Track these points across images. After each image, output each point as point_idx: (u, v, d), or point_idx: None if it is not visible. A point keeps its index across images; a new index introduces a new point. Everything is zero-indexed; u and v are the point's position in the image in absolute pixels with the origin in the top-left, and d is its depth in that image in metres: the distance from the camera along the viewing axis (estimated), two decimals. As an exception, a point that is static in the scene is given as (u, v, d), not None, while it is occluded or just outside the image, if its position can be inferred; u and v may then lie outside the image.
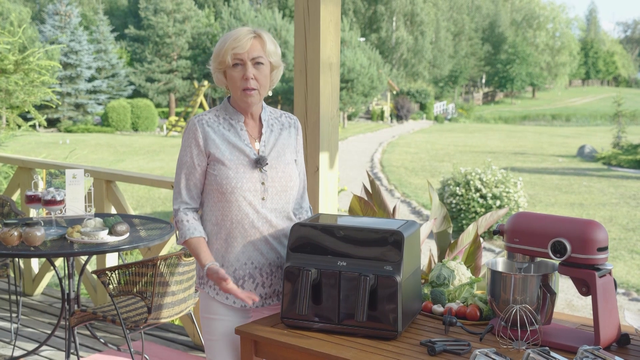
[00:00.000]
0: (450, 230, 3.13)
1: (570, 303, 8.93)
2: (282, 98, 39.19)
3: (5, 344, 4.57)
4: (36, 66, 6.56)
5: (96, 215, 4.22)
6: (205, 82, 33.86)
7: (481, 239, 3.01)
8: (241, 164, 2.40)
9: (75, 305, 3.98)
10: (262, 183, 2.41)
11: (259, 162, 2.40)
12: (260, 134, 2.48)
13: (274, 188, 2.44)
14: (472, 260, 3.00)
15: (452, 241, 3.10)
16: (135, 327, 3.46)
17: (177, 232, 2.44)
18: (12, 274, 5.07)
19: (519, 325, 2.15)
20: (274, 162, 2.45)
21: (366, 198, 3.35)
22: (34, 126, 28.20)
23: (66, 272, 3.95)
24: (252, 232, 2.41)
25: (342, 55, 35.66)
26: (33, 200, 3.94)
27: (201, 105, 34.55)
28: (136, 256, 7.94)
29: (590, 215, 14.45)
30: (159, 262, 3.35)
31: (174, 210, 2.46)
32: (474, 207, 12.80)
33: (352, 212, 3.10)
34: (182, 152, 2.46)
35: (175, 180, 2.48)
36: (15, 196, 5.76)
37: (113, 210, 5.02)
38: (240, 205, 2.39)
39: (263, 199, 2.41)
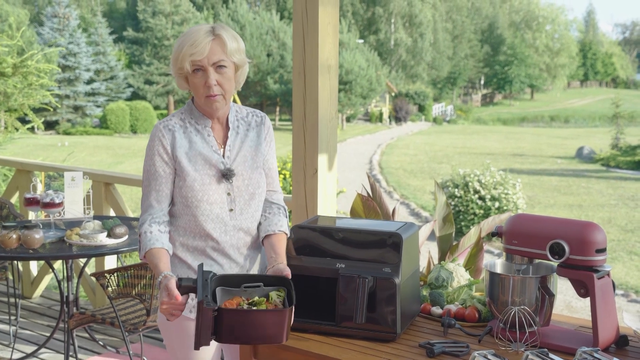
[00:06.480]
0: (453, 234, 3.13)
1: (568, 304, 8.93)
2: (280, 100, 39.20)
3: (4, 346, 4.57)
4: (34, 69, 6.56)
5: (95, 217, 4.22)
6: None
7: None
8: (207, 175, 2.25)
9: (74, 308, 3.98)
10: (228, 194, 2.27)
11: (226, 176, 2.26)
12: (226, 137, 2.32)
13: (242, 198, 2.29)
14: (473, 262, 3.01)
15: (453, 243, 3.10)
16: (134, 330, 3.46)
17: (139, 245, 2.23)
18: (10, 277, 5.07)
19: (517, 326, 2.15)
20: (240, 168, 2.29)
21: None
22: (32, 129, 28.16)
23: (65, 274, 3.95)
24: (223, 243, 2.28)
25: (340, 57, 35.67)
26: (32, 202, 3.94)
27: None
28: (135, 258, 7.92)
29: (589, 217, 14.47)
30: (157, 265, 3.35)
31: (140, 223, 2.26)
32: (472, 208, 12.80)
33: (354, 211, 3.10)
34: (148, 161, 2.26)
35: (143, 192, 2.28)
36: (14, 199, 5.76)
37: (112, 213, 5.02)
38: (207, 218, 2.25)
39: (231, 210, 2.28)
